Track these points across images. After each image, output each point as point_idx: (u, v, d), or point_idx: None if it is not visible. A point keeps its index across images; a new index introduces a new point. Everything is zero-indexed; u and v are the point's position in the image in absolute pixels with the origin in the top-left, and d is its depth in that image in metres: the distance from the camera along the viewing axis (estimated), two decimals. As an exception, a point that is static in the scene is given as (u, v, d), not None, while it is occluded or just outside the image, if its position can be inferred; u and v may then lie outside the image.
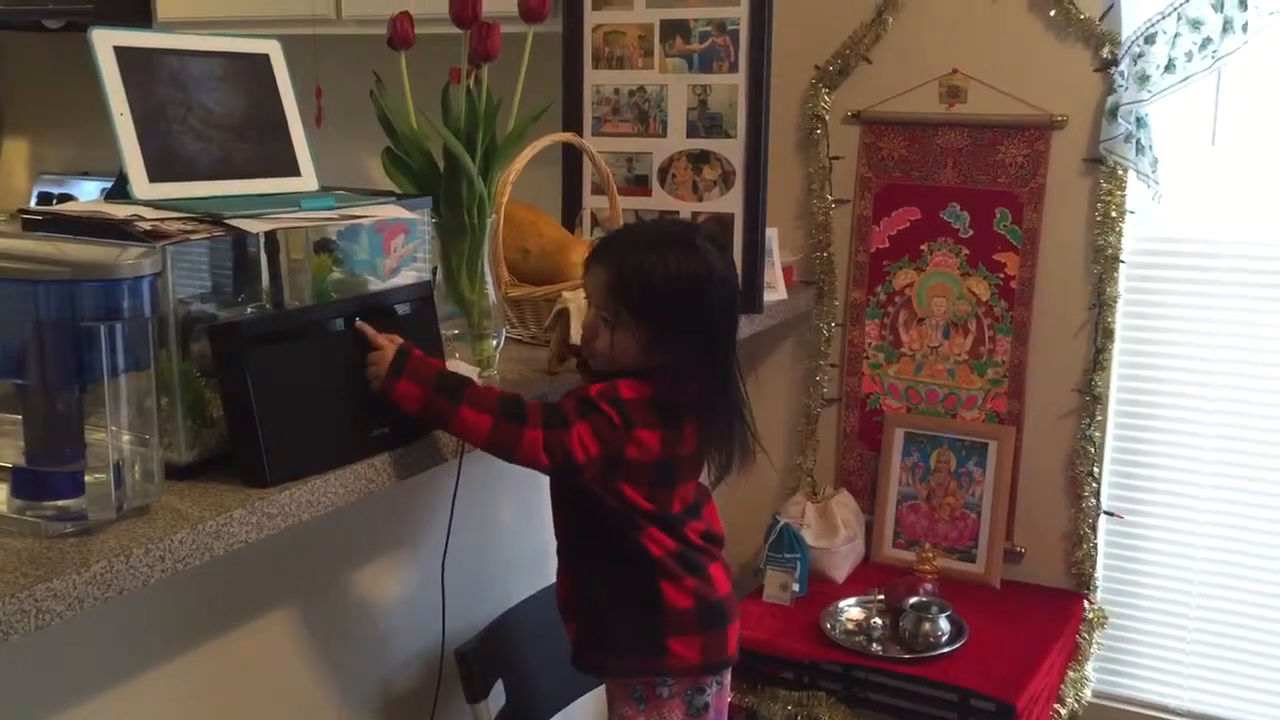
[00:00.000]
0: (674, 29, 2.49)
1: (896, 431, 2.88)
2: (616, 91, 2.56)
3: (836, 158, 2.88)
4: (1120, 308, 2.67)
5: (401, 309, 1.68)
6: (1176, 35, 2.45)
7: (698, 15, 2.47)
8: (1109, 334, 2.67)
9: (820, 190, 2.89)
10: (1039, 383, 2.76)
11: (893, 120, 2.82)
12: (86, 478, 1.32)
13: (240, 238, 1.54)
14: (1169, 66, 2.47)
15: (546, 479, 1.71)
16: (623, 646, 1.70)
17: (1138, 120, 2.53)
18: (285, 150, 1.75)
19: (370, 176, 2.27)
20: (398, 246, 1.78)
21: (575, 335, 1.86)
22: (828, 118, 2.87)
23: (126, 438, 1.33)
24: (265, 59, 1.76)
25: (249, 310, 1.58)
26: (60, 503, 1.31)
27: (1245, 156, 2.57)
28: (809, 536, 2.76)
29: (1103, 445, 2.72)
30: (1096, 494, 2.72)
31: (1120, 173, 2.61)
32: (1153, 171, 2.54)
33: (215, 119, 1.66)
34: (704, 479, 1.75)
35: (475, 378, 1.71)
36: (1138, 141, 2.53)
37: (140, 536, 1.28)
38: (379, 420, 1.58)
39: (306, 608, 1.77)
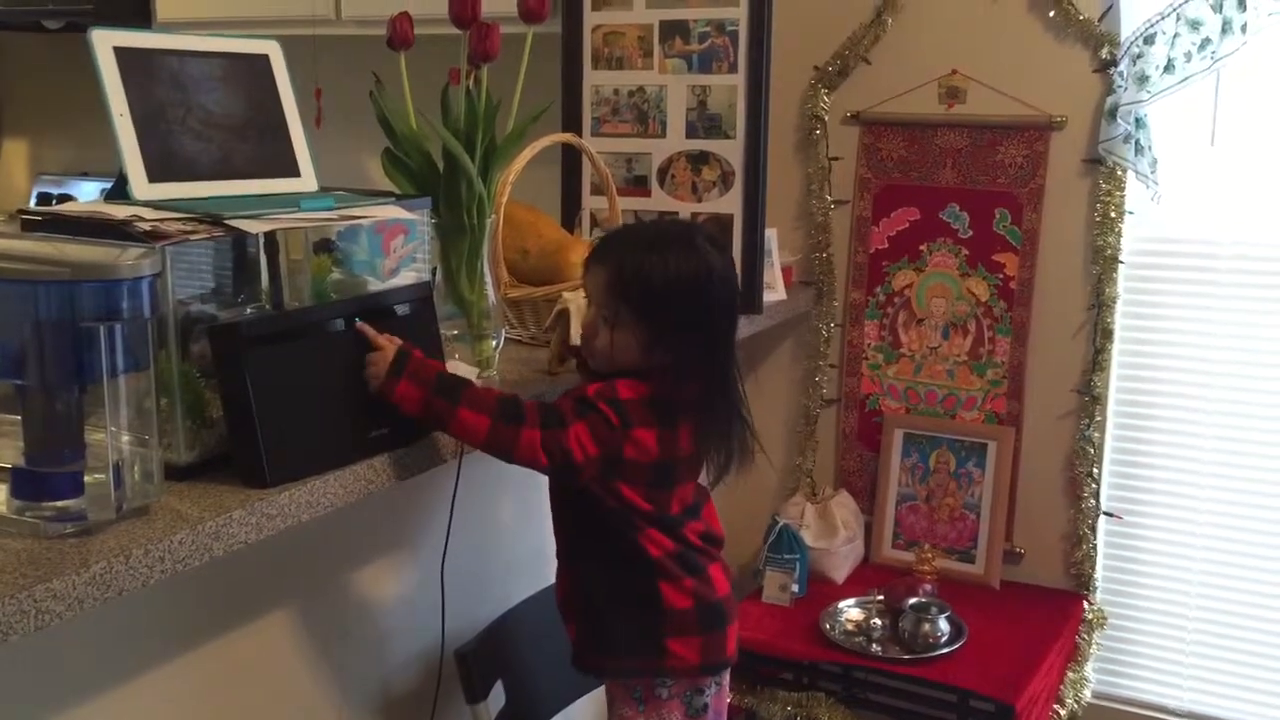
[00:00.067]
0: (673, 29, 2.49)
1: (896, 432, 2.88)
2: (616, 92, 2.56)
3: (836, 158, 2.88)
4: (1119, 308, 2.67)
5: (401, 309, 1.68)
6: (1175, 36, 2.45)
7: (697, 16, 2.47)
8: (1108, 334, 2.67)
9: (819, 191, 2.89)
10: (1038, 383, 2.76)
11: (892, 121, 2.82)
12: (86, 478, 1.32)
13: (240, 238, 1.54)
14: (1168, 67, 2.47)
15: (546, 479, 1.71)
16: (622, 647, 1.70)
17: (1137, 121, 2.53)
18: (285, 151, 1.75)
19: (370, 177, 2.27)
20: (397, 247, 1.78)
21: (575, 336, 1.86)
22: (827, 118, 2.87)
23: (126, 438, 1.33)
24: (265, 60, 1.76)
25: (249, 311, 1.58)
26: (60, 503, 1.31)
27: (1244, 157, 2.57)
28: (808, 537, 2.76)
29: (1102, 446, 2.72)
30: (1096, 495, 2.72)
31: (1119, 173, 2.61)
32: (1152, 172, 2.54)
33: (215, 119, 1.66)
34: (703, 479, 1.75)
35: (475, 378, 1.71)
36: (1137, 142, 2.53)
37: (140, 537, 1.28)
38: (378, 421, 1.58)
39: (306, 608, 1.77)
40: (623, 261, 1.64)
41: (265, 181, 1.71)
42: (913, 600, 2.50)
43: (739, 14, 2.43)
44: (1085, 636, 2.69)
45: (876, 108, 2.83)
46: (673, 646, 1.67)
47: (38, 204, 3.85)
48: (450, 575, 1.87)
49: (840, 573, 2.79)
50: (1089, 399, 2.70)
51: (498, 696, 1.91)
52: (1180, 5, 2.45)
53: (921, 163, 2.81)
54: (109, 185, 3.34)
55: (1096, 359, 2.68)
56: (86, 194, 3.81)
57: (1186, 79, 2.47)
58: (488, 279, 1.91)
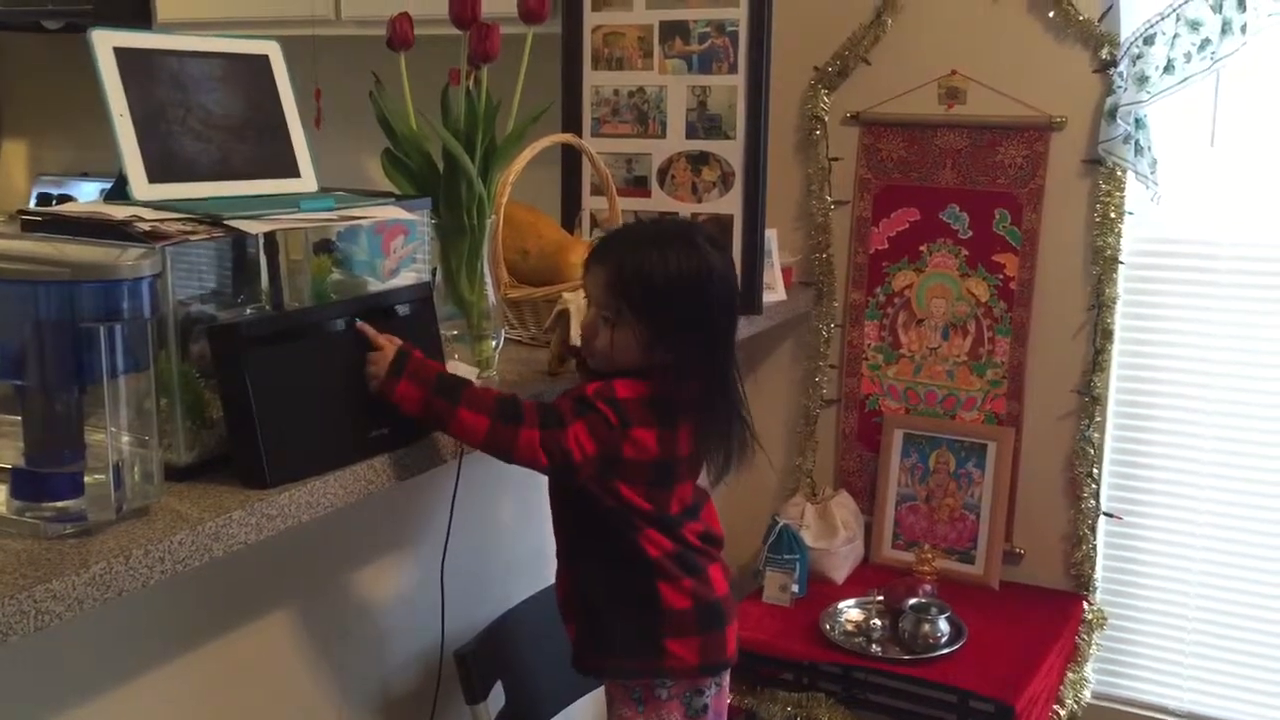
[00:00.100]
0: (673, 30, 2.49)
1: (895, 432, 2.88)
2: (616, 93, 2.56)
3: (835, 159, 2.88)
4: (1119, 309, 2.67)
5: (401, 310, 1.68)
6: (1175, 36, 2.46)
7: (697, 16, 2.47)
8: (1108, 335, 2.67)
9: (819, 191, 2.89)
10: (1038, 384, 2.76)
11: (892, 121, 2.83)
12: (86, 479, 1.32)
13: (240, 239, 1.54)
14: (1168, 68, 2.47)
15: (545, 479, 1.71)
16: (621, 647, 1.70)
17: (1136, 121, 2.53)
18: (285, 151, 1.75)
19: (370, 177, 2.27)
20: (397, 247, 1.78)
21: (575, 336, 1.86)
22: (827, 119, 2.87)
23: (126, 439, 1.33)
24: (265, 60, 1.76)
25: (248, 311, 1.58)
26: (60, 504, 1.31)
27: (1244, 158, 2.57)
28: (808, 537, 2.76)
29: (1102, 446, 2.72)
30: (1095, 495, 2.72)
31: (1119, 174, 2.61)
32: (1151, 172, 2.54)
33: (215, 120, 1.66)
34: (703, 480, 1.75)
35: (474, 379, 1.71)
36: (1136, 142, 2.53)
37: (139, 538, 1.28)
38: (378, 421, 1.58)
39: (306, 608, 1.77)
40: (623, 260, 1.64)
41: (265, 182, 1.71)
42: (913, 601, 2.50)
43: (739, 14, 2.43)
44: (1085, 637, 2.69)
45: (876, 108, 2.83)
46: (671, 647, 1.67)
47: (37, 204, 3.85)
48: (450, 575, 1.87)
49: (840, 573, 2.79)
50: (1089, 399, 2.70)
51: (497, 697, 1.91)
52: (1180, 6, 2.45)
53: (921, 163, 2.81)
54: (109, 186, 3.33)
55: (1096, 359, 2.68)
56: (86, 194, 3.81)
57: (1186, 79, 2.47)
58: (488, 279, 1.91)
